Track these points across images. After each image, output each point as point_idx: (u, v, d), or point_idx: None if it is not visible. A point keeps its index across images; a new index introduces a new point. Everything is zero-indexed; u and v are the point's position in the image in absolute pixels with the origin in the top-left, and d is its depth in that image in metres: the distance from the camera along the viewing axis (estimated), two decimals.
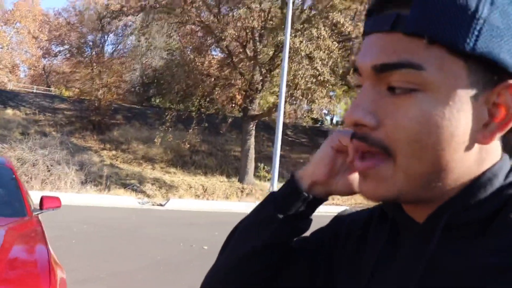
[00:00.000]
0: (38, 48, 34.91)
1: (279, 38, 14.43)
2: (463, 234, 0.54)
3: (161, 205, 13.27)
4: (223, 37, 15.54)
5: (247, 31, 15.48)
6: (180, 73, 17.14)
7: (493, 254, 0.49)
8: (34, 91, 30.92)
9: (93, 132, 21.48)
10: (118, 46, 27.08)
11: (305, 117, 18.49)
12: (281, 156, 23.35)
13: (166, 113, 18.60)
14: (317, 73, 14.31)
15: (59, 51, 29.35)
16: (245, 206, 13.10)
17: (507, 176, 0.55)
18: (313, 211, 0.75)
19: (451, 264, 0.52)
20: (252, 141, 17.80)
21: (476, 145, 0.53)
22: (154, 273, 5.82)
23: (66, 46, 27.14)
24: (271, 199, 0.75)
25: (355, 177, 0.71)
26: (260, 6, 14.32)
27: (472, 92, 0.51)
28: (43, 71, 37.73)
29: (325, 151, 0.73)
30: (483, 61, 0.50)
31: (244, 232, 0.77)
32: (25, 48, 36.08)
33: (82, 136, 20.95)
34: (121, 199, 12.26)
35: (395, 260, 0.60)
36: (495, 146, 0.56)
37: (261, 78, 15.89)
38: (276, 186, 14.37)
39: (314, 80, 14.47)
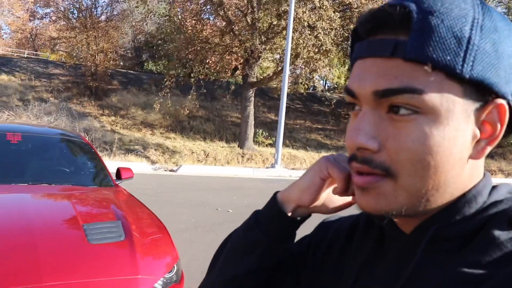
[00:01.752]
0: (23, 10, 34.20)
1: (282, 8, 14.67)
2: (446, 248, 0.56)
3: (173, 170, 13.72)
4: (224, 4, 15.75)
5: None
6: (181, 40, 17.28)
7: (471, 268, 0.52)
8: (25, 56, 30.57)
9: (90, 98, 21.63)
10: (107, 9, 26.68)
11: (304, 84, 18.87)
12: (277, 122, 23.94)
13: (165, 79, 18.83)
14: (319, 43, 14.67)
15: (46, 14, 28.94)
16: (252, 171, 13.69)
17: (490, 194, 0.58)
18: (297, 229, 0.76)
19: (432, 276, 0.55)
20: (251, 108, 18.19)
21: (470, 161, 0.57)
22: (194, 235, 6.34)
23: (52, 8, 26.80)
24: (255, 222, 0.75)
25: (338, 197, 0.74)
26: None
27: (467, 112, 0.54)
28: (29, 35, 37.09)
29: (313, 180, 0.72)
30: (477, 84, 0.53)
31: (231, 256, 0.77)
32: (11, 10, 35.34)
33: (80, 102, 21.10)
34: (135, 165, 12.64)
35: (379, 268, 0.62)
36: (481, 163, 0.59)
37: (260, 45, 16.14)
38: (281, 153, 14.92)
39: (316, 50, 14.84)
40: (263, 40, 16.17)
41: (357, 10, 15.69)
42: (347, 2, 15.22)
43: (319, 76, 18.57)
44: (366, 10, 0.59)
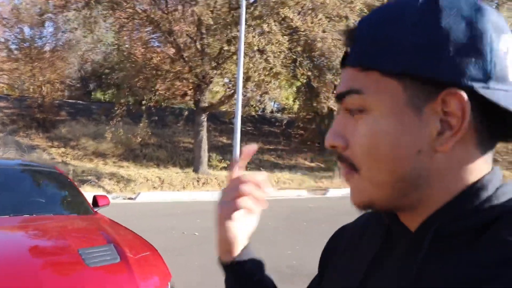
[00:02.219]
0: None
1: (232, 34, 15.05)
2: (452, 245, 0.56)
3: (131, 198, 13.60)
4: (174, 32, 15.97)
5: (198, 26, 15.94)
6: (131, 68, 17.29)
7: (478, 267, 0.51)
8: None
9: (38, 130, 21.04)
10: (51, 39, 26.26)
11: (255, 107, 19.25)
12: (230, 145, 24.13)
13: (115, 108, 18.69)
14: (269, 66, 15.12)
15: None
16: (210, 195, 13.82)
17: (497, 189, 0.57)
18: (251, 261, 0.82)
19: (439, 274, 0.54)
20: (204, 132, 18.32)
21: (441, 155, 0.56)
22: (165, 259, 6.40)
23: None
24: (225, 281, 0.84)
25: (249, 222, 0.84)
26: (215, 3, 14.87)
27: (412, 105, 0.56)
28: None
29: (222, 228, 0.79)
30: (416, 78, 0.55)
31: None
32: None
33: (27, 135, 20.48)
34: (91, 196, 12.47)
35: (387, 267, 0.63)
36: (483, 159, 0.58)
37: (211, 70, 16.41)
38: None
39: (266, 73, 15.27)
40: (213, 65, 16.44)
41: (303, 33, 16.30)
42: (294, 26, 15.78)
43: (269, 98, 18.97)
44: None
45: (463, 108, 0.54)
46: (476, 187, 0.57)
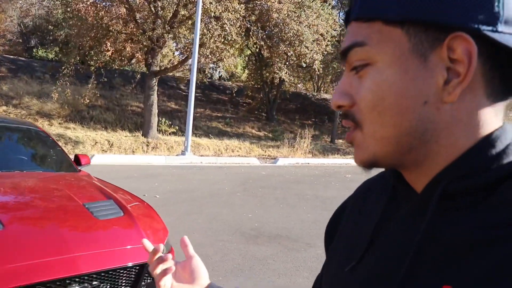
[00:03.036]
0: None
1: None
2: (460, 205, 0.54)
3: None
4: None
5: None
6: (81, 27, 16.74)
7: (485, 229, 0.50)
8: None
9: None
10: None
11: (206, 74, 19.23)
12: (178, 111, 24.06)
13: (63, 67, 18.10)
14: (225, 33, 15.16)
15: None
16: (164, 159, 13.92)
17: (507, 146, 0.54)
18: None
19: (446, 236, 0.53)
20: (155, 97, 18.15)
21: (448, 105, 0.54)
22: None
23: None
24: None
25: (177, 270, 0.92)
26: None
27: (418, 53, 0.54)
28: None
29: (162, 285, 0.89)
30: (420, 24, 0.53)
31: None
32: None
33: None
34: None
35: (394, 229, 0.62)
36: (493, 113, 0.56)
37: (166, 34, 16.22)
38: (190, 140, 15.24)
39: (222, 40, 15.31)
40: (167, 29, 16.23)
41: (259, 2, 16.38)
42: None
43: (223, 66, 19.00)
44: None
45: (469, 53, 0.52)
46: (485, 144, 0.54)
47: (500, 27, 0.51)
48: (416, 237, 0.55)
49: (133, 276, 2.76)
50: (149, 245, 0.94)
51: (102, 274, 2.58)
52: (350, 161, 19.45)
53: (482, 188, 0.53)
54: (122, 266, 2.67)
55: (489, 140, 0.54)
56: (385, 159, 0.59)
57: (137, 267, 2.78)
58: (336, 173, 14.80)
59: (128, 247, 2.80)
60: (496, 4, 0.51)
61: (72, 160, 4.50)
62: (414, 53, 0.54)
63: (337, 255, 0.72)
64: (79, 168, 4.47)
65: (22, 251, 2.41)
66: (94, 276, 2.54)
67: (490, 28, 0.51)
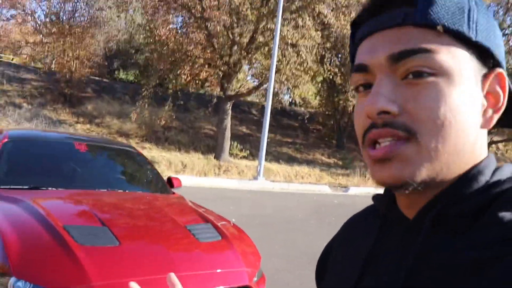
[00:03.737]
0: None
1: (268, 25, 15.27)
2: (449, 229, 0.55)
3: None
4: (207, 19, 16.22)
5: (233, 15, 16.15)
6: (163, 52, 17.56)
7: (476, 249, 0.51)
8: None
9: (65, 105, 21.43)
10: (82, 18, 26.57)
11: (281, 100, 19.48)
12: (249, 135, 24.40)
13: (143, 89, 19.01)
14: (301, 60, 15.36)
15: (12, 15, 28.44)
16: (237, 183, 14.17)
17: (493, 174, 0.57)
18: None
19: (438, 260, 0.54)
20: (228, 120, 18.58)
21: (480, 131, 0.58)
22: None
23: (19, 11, 26.45)
24: None
25: None
26: None
27: (476, 77, 0.57)
28: None
29: None
30: (480, 51, 0.57)
31: None
32: None
33: (54, 109, 20.87)
34: None
35: (385, 256, 0.62)
36: (485, 142, 0.60)
37: (243, 60, 16.64)
38: (263, 165, 15.42)
39: (298, 67, 15.51)
40: (244, 54, 16.67)
41: (335, 29, 16.47)
42: (326, 22, 15.98)
43: (299, 93, 19.17)
44: None
45: (504, 87, 0.58)
46: (476, 171, 0.57)
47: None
48: (408, 262, 0.55)
49: None
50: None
51: None
52: None
53: (471, 212, 0.55)
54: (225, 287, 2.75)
55: (479, 168, 0.57)
56: (429, 178, 0.56)
57: None
58: None
59: (227, 270, 2.88)
60: (503, 53, 0.60)
61: (166, 182, 4.69)
62: (473, 76, 0.57)
63: (331, 287, 0.72)
64: (172, 190, 4.65)
65: (136, 267, 2.55)
66: None
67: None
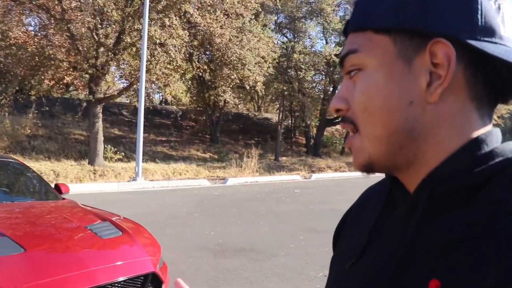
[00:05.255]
0: None
1: (135, 26, 15.20)
2: (447, 205, 0.57)
3: None
4: (71, 21, 15.68)
5: (97, 16, 15.79)
6: (22, 56, 16.56)
7: (470, 226, 0.53)
8: None
9: None
10: None
11: (152, 99, 19.46)
12: (122, 137, 23.98)
13: (1, 97, 17.77)
14: (170, 59, 15.57)
15: None
16: (117, 186, 14.04)
17: (493, 149, 0.57)
18: None
19: (435, 233, 0.56)
20: (100, 123, 18.12)
21: (432, 106, 0.58)
22: None
23: None
24: None
25: None
26: None
27: (403, 57, 0.58)
28: None
29: None
30: (404, 31, 0.58)
31: None
32: None
33: None
34: None
35: (388, 230, 0.65)
36: (478, 116, 0.59)
37: (111, 62, 16.37)
38: (141, 166, 15.39)
39: (168, 66, 15.69)
40: (111, 56, 16.38)
41: (201, 28, 16.92)
42: (193, 22, 16.36)
43: (169, 91, 19.27)
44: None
45: (448, 57, 0.55)
46: (471, 146, 0.57)
47: (479, 36, 0.55)
48: (406, 235, 0.58)
49: (139, 285, 3.13)
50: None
51: (116, 284, 2.94)
52: (296, 177, 20.22)
53: (468, 188, 0.56)
54: (132, 276, 3.04)
55: (475, 143, 0.57)
56: (380, 160, 0.61)
57: (141, 278, 3.15)
58: (285, 189, 15.45)
59: (133, 260, 3.17)
60: (475, 14, 0.55)
61: (54, 188, 4.75)
62: (400, 58, 0.58)
63: (341, 253, 0.76)
64: (62, 195, 4.73)
65: (47, 268, 2.74)
66: (109, 286, 2.90)
67: (468, 35, 0.55)
